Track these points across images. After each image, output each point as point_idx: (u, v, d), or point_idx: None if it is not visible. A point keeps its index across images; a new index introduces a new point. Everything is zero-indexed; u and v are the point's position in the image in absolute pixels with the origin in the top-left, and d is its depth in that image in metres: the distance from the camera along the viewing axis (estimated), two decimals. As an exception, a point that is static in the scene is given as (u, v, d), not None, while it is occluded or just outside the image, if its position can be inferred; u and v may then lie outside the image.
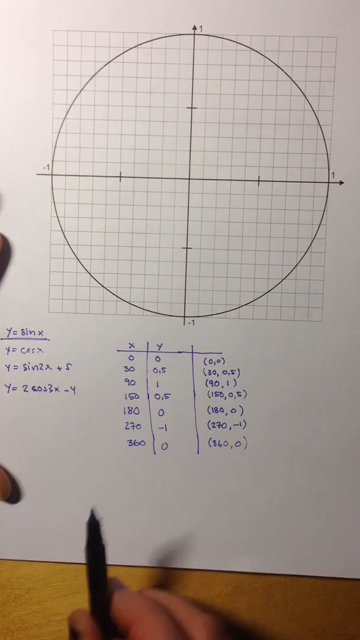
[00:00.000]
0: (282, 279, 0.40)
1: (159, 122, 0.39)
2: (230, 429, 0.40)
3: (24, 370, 0.40)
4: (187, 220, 0.39)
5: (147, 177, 0.39)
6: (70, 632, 0.33)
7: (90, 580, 0.33)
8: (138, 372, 0.40)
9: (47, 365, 0.40)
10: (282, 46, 0.39)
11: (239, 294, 0.40)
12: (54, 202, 0.40)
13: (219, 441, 0.40)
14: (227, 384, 0.40)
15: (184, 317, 0.40)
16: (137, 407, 0.40)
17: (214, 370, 0.40)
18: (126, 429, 0.40)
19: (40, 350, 0.40)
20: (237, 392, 0.40)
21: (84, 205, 0.40)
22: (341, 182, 0.39)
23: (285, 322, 0.40)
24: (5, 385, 0.40)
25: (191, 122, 0.39)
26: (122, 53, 0.39)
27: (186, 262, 0.40)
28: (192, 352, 0.40)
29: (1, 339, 0.40)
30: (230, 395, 0.40)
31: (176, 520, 0.40)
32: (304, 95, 0.39)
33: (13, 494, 0.40)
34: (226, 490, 0.40)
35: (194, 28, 0.39)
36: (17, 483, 0.40)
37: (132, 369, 0.40)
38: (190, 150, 0.39)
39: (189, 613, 0.32)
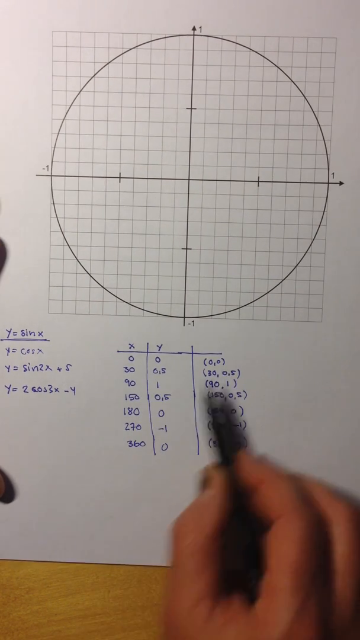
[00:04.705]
0: (282, 280, 0.40)
1: (158, 123, 0.39)
2: (230, 429, 0.40)
3: (24, 371, 0.40)
4: (187, 221, 0.39)
5: (147, 178, 0.39)
6: (201, 482, 0.36)
7: (219, 444, 0.37)
8: (138, 373, 0.40)
9: (47, 366, 0.40)
10: (282, 47, 0.38)
11: (239, 294, 0.40)
12: (53, 203, 0.40)
13: (219, 442, 0.40)
14: (227, 385, 0.40)
15: (184, 317, 0.40)
16: (137, 408, 0.40)
17: (214, 371, 0.40)
18: (126, 429, 0.40)
19: (40, 351, 0.40)
20: (237, 393, 0.40)
21: (83, 206, 0.40)
22: (341, 183, 0.39)
23: (285, 322, 0.40)
24: (5, 386, 0.40)
25: (190, 122, 0.39)
26: (122, 54, 0.39)
27: (186, 262, 0.40)
28: (192, 353, 0.40)
29: (1, 339, 0.40)
30: (230, 395, 0.40)
31: (176, 521, 0.40)
32: (304, 95, 0.39)
33: (12, 494, 0.40)
34: (226, 491, 0.40)
35: (194, 29, 0.39)
36: (17, 484, 0.40)
37: (132, 369, 0.40)
38: (189, 151, 0.39)
39: (329, 498, 0.34)
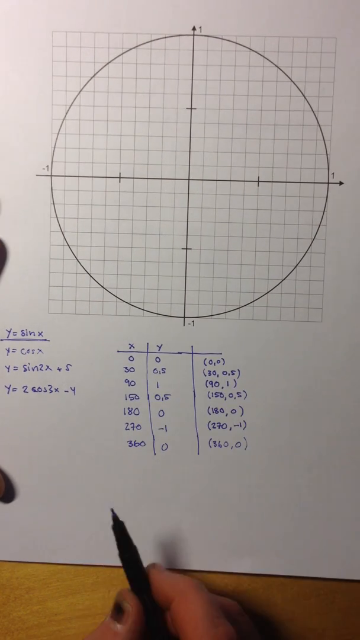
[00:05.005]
0: (282, 280, 0.40)
1: (158, 123, 0.39)
2: (230, 429, 0.40)
3: (24, 371, 0.40)
4: (187, 221, 0.39)
5: (147, 178, 0.39)
6: (114, 606, 0.34)
7: (128, 574, 0.35)
8: (138, 373, 0.40)
9: (47, 366, 0.40)
10: (282, 47, 0.38)
11: (239, 294, 0.40)
12: (53, 203, 0.40)
13: (219, 442, 0.40)
14: (227, 385, 0.40)
15: (184, 317, 0.40)
16: (137, 408, 0.40)
17: (214, 371, 0.40)
18: (126, 429, 0.40)
19: (40, 351, 0.40)
20: (237, 393, 0.40)
21: (83, 206, 0.40)
22: (341, 183, 0.39)
23: (285, 322, 0.40)
24: (5, 386, 0.40)
25: (190, 122, 0.39)
26: (122, 54, 0.39)
27: (186, 262, 0.40)
28: (192, 353, 0.40)
29: (1, 339, 0.40)
30: (231, 395, 0.40)
31: (176, 521, 0.40)
32: (304, 95, 0.39)
33: (12, 494, 0.40)
34: (226, 491, 0.40)
35: (194, 29, 0.39)
36: (17, 484, 0.40)
37: (132, 369, 0.40)
38: (189, 151, 0.39)
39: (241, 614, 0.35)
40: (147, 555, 0.40)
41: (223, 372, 0.40)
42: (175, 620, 0.32)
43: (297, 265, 0.39)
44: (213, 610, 0.32)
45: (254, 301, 0.40)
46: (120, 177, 0.39)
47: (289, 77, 0.39)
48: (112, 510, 0.35)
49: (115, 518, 0.35)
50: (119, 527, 0.35)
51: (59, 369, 0.40)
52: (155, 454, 0.40)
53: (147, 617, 0.34)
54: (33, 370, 0.40)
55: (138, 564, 0.35)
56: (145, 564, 0.37)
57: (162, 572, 0.35)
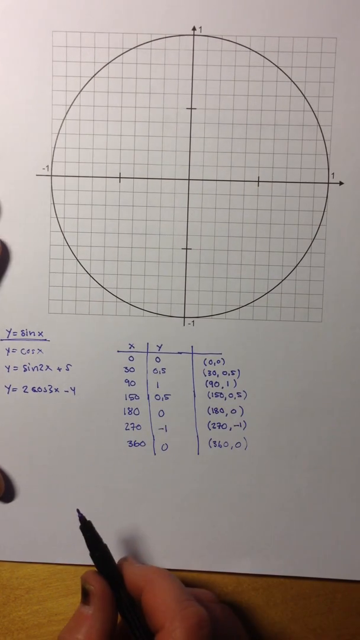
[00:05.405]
0: (282, 280, 0.40)
1: (158, 123, 0.39)
2: (230, 429, 0.40)
3: (24, 371, 0.40)
4: (187, 221, 0.39)
5: (147, 178, 0.39)
6: (82, 592, 0.34)
7: (101, 571, 0.35)
8: (138, 373, 0.40)
9: (47, 366, 0.40)
10: (282, 47, 0.38)
11: (239, 294, 0.40)
12: (53, 203, 0.40)
13: (219, 442, 0.40)
14: (227, 385, 0.40)
15: (184, 317, 0.40)
16: (137, 408, 0.40)
17: (214, 371, 0.40)
18: (126, 429, 0.40)
19: (40, 351, 0.40)
20: (237, 393, 0.40)
21: (83, 206, 0.40)
22: (341, 183, 0.39)
23: (285, 322, 0.40)
24: (5, 386, 0.40)
25: (191, 122, 0.39)
26: (122, 54, 0.39)
27: (186, 262, 0.40)
28: (192, 353, 0.40)
29: (1, 339, 0.40)
30: (231, 395, 0.40)
31: (176, 522, 0.40)
32: (304, 95, 0.39)
33: (12, 494, 0.40)
34: (226, 491, 0.40)
35: (194, 29, 0.39)
36: (17, 484, 0.40)
37: (132, 369, 0.40)
38: (189, 151, 0.39)
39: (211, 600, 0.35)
40: (147, 555, 0.40)
41: (223, 372, 0.40)
42: (146, 610, 0.32)
43: (297, 265, 0.39)
44: (182, 594, 0.32)
45: (254, 301, 0.40)
46: (120, 177, 0.39)
47: (289, 77, 0.39)
48: (78, 511, 0.35)
49: (82, 518, 0.35)
50: (86, 527, 0.35)
51: (59, 369, 0.40)
52: (155, 454, 0.40)
53: (124, 612, 0.34)
54: (33, 370, 0.40)
55: (110, 562, 0.35)
56: (146, 564, 0.37)
57: (133, 565, 0.35)
